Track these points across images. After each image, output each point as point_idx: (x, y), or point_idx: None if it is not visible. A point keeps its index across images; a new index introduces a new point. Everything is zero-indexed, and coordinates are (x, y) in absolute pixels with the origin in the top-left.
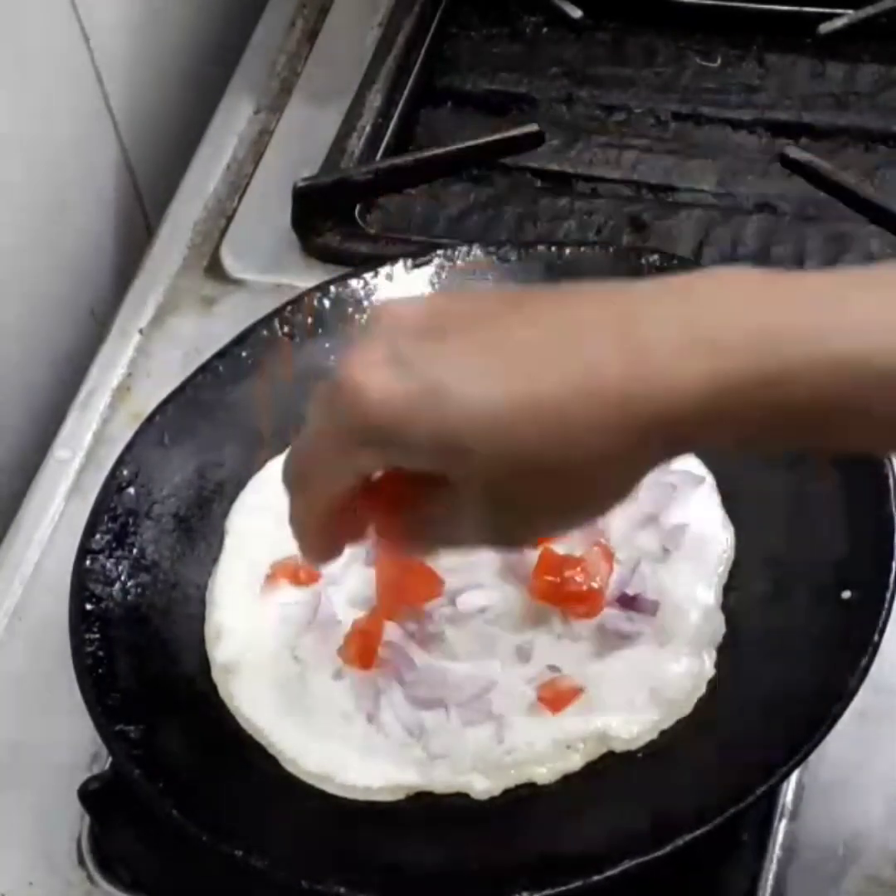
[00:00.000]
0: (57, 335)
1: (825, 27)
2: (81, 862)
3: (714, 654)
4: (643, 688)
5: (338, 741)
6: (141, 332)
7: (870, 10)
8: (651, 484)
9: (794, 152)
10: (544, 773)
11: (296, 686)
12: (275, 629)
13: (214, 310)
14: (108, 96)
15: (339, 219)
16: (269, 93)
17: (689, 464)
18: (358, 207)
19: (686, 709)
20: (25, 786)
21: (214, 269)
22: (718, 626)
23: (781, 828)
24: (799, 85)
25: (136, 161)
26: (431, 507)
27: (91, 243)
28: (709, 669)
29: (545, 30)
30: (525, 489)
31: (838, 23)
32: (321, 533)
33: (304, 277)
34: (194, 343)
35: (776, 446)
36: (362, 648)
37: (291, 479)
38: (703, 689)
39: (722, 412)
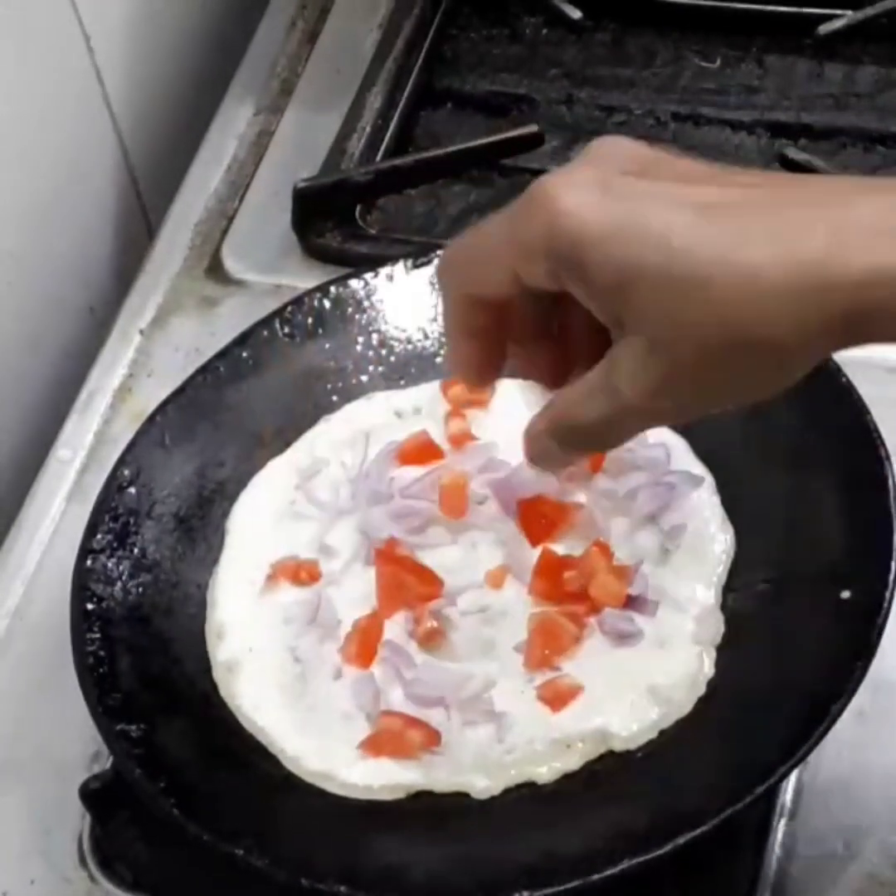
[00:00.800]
0: (57, 336)
1: (825, 28)
2: (82, 861)
3: (714, 654)
4: (643, 687)
5: (338, 740)
6: (142, 332)
7: (869, 11)
8: (651, 483)
9: (794, 153)
10: (544, 773)
11: (296, 685)
12: (276, 629)
13: (215, 310)
14: (108, 96)
15: (339, 219)
16: (269, 94)
17: (689, 464)
18: (358, 208)
19: (686, 708)
20: (26, 785)
21: (215, 270)
22: (718, 626)
23: (781, 827)
24: (798, 86)
25: (136, 161)
26: (585, 377)
27: (91, 243)
28: (709, 669)
29: (545, 31)
30: (695, 349)
31: (838, 23)
32: (463, 332)
33: (305, 278)
34: (195, 343)
35: None
36: (362, 647)
37: (445, 266)
38: (702, 689)
39: None
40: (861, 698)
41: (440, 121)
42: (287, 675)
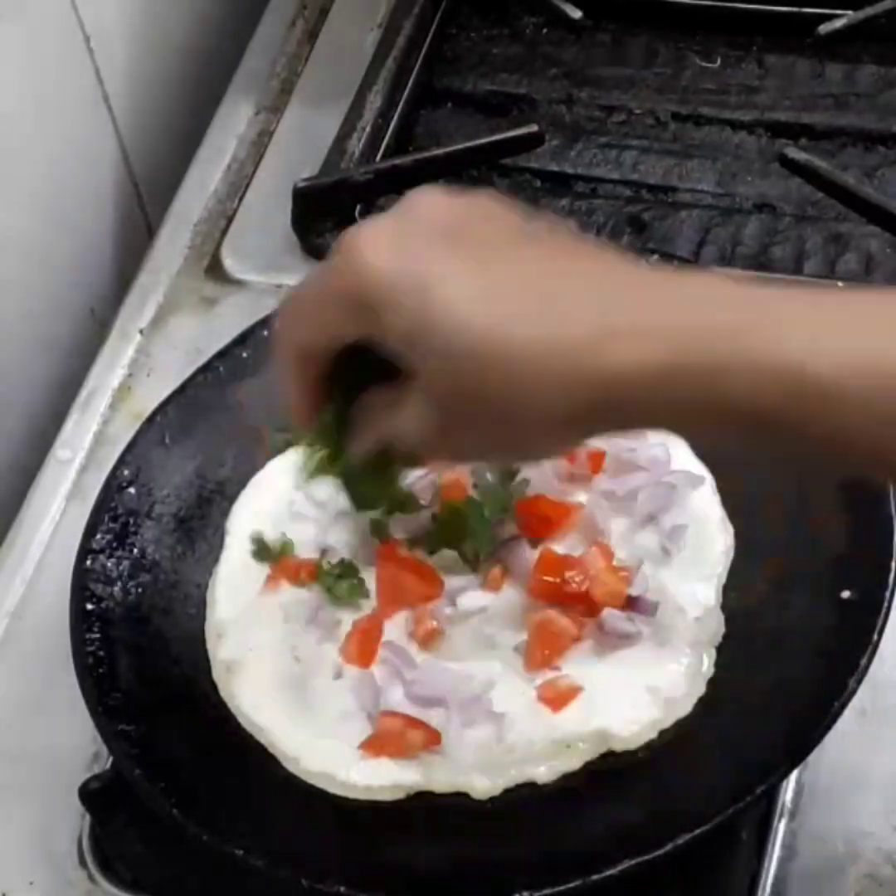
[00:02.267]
0: (57, 336)
1: (825, 28)
2: (82, 862)
3: (714, 654)
4: (643, 687)
5: (338, 740)
6: (141, 332)
7: (869, 11)
8: (651, 484)
9: (794, 152)
10: (544, 773)
11: (296, 685)
12: (276, 629)
13: (215, 310)
14: (108, 96)
15: (339, 219)
16: (269, 93)
17: (690, 464)
18: (358, 207)
19: (686, 709)
20: (25, 786)
21: (215, 270)
22: (718, 626)
23: (781, 827)
24: (799, 85)
25: (136, 161)
26: (388, 392)
27: (91, 243)
28: (708, 669)
29: (545, 30)
30: (470, 409)
31: (838, 23)
32: (296, 383)
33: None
34: (195, 343)
35: (724, 438)
36: (362, 647)
37: (279, 325)
38: (702, 689)
39: (664, 396)
40: (861, 698)
41: (440, 121)
42: (287, 675)
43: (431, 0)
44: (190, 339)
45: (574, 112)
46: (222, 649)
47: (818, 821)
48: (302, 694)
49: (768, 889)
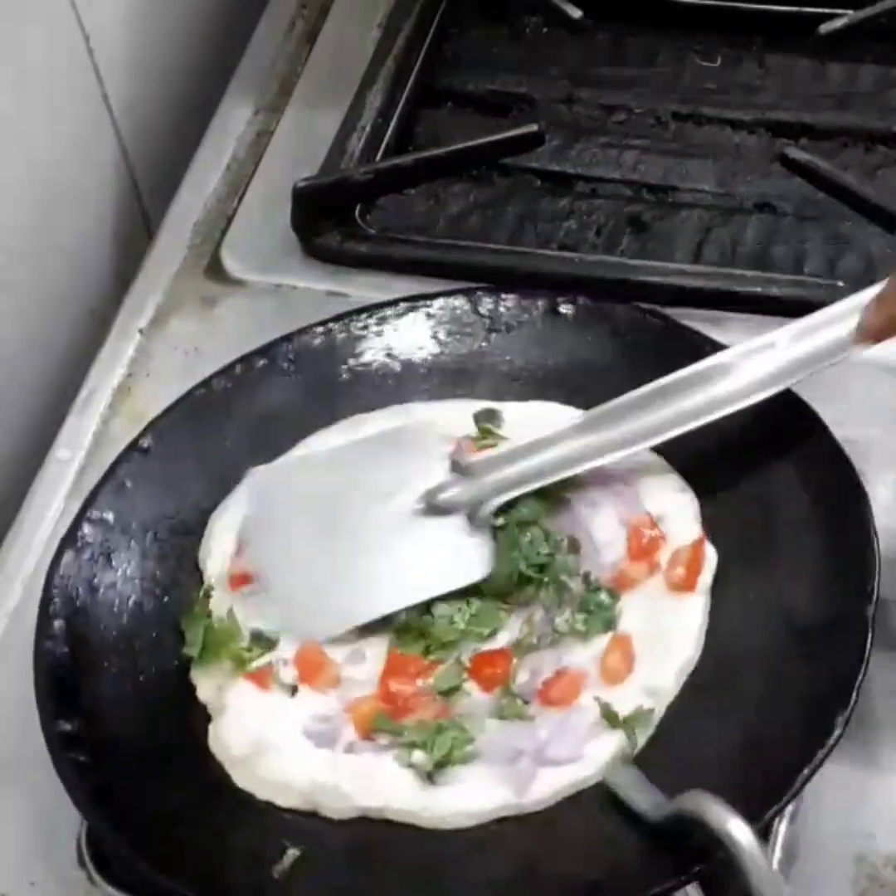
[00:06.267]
0: (57, 336)
1: (825, 27)
2: (81, 862)
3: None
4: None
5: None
6: (141, 332)
7: (870, 11)
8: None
9: (794, 152)
10: None
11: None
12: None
13: (214, 310)
14: (108, 96)
15: (339, 219)
16: (268, 93)
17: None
18: (358, 207)
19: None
20: (25, 786)
21: (214, 270)
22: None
23: (782, 830)
24: (799, 85)
25: (136, 161)
26: None
27: (90, 243)
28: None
29: (545, 30)
30: None
31: (838, 23)
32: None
33: (304, 278)
34: (194, 343)
35: None
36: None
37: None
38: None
39: None
40: (862, 699)
41: (440, 120)
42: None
43: (431, 0)
44: (190, 339)
45: (574, 112)
46: (237, 745)
47: (819, 823)
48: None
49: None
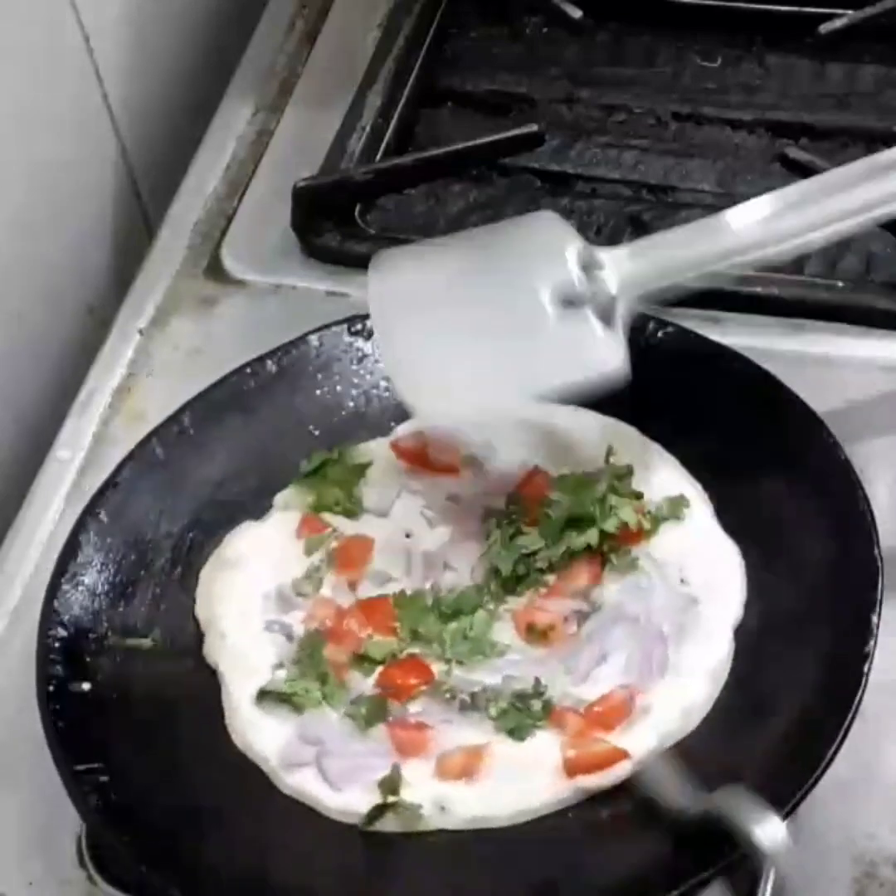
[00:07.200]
0: (57, 336)
1: (825, 27)
2: (82, 862)
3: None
4: None
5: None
6: (141, 332)
7: (870, 11)
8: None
9: (794, 152)
10: None
11: None
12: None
13: (214, 310)
14: (108, 96)
15: (339, 219)
16: (268, 93)
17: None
18: (358, 207)
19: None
20: (25, 785)
21: (214, 270)
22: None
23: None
24: (799, 85)
25: (135, 161)
26: None
27: (90, 243)
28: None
29: (545, 30)
30: None
31: (838, 23)
32: None
33: (304, 277)
34: (194, 343)
35: None
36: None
37: None
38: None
39: None
40: (863, 700)
41: (440, 120)
42: None
43: (431, 0)
44: (190, 339)
45: (574, 112)
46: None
47: (818, 823)
48: None
49: (769, 890)
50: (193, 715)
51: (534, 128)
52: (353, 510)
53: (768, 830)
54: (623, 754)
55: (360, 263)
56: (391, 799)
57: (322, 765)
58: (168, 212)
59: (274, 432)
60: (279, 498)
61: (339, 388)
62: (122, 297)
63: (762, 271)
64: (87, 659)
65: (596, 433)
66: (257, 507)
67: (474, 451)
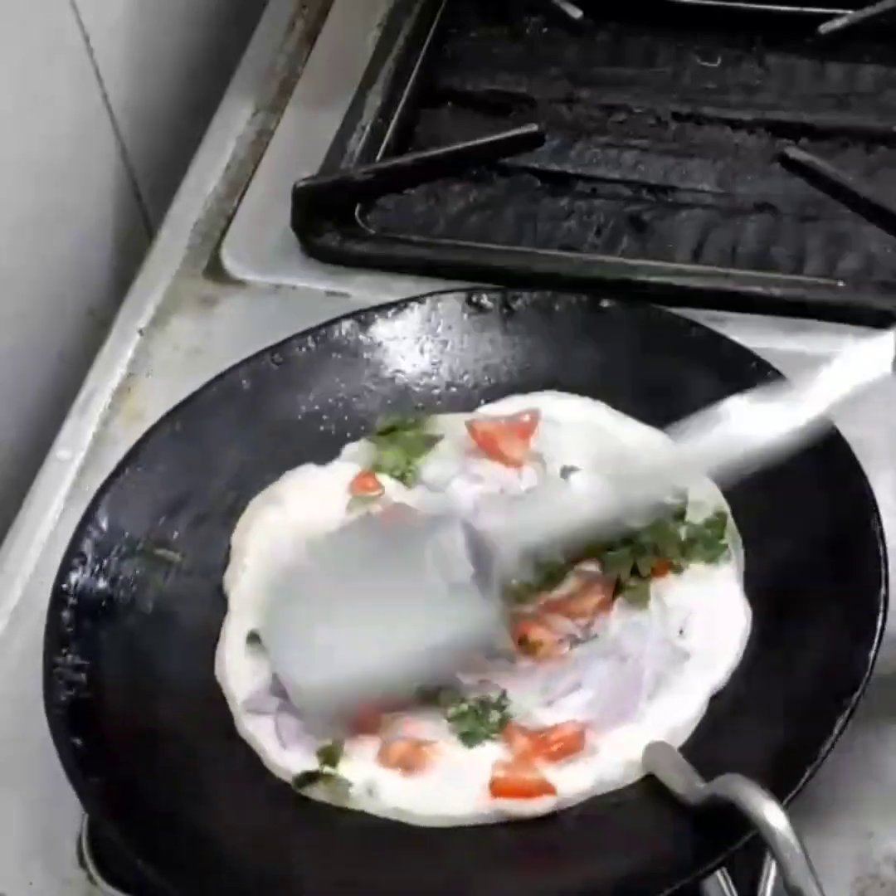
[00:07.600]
0: (57, 336)
1: (825, 27)
2: (82, 862)
3: None
4: None
5: None
6: (141, 332)
7: (870, 11)
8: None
9: (794, 152)
10: None
11: None
12: None
13: (214, 310)
14: (108, 96)
15: (339, 219)
16: (268, 93)
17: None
18: (358, 207)
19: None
20: (25, 785)
21: (214, 270)
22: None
23: None
24: (799, 85)
25: (135, 161)
26: None
27: (90, 243)
28: None
29: (545, 30)
30: None
31: (838, 23)
32: None
33: (304, 278)
34: (194, 343)
35: None
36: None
37: None
38: None
39: None
40: (864, 698)
41: (440, 120)
42: None
43: (431, 0)
44: (190, 339)
45: (574, 112)
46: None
47: (819, 822)
48: None
49: (769, 890)
50: (193, 636)
51: (534, 128)
52: (410, 479)
53: (775, 812)
54: (549, 789)
55: (361, 263)
56: (327, 769)
57: (279, 719)
58: (168, 212)
59: (366, 385)
60: (347, 449)
61: (440, 356)
62: (122, 298)
63: (762, 271)
64: (115, 558)
65: (667, 467)
66: (327, 455)
67: (542, 450)
